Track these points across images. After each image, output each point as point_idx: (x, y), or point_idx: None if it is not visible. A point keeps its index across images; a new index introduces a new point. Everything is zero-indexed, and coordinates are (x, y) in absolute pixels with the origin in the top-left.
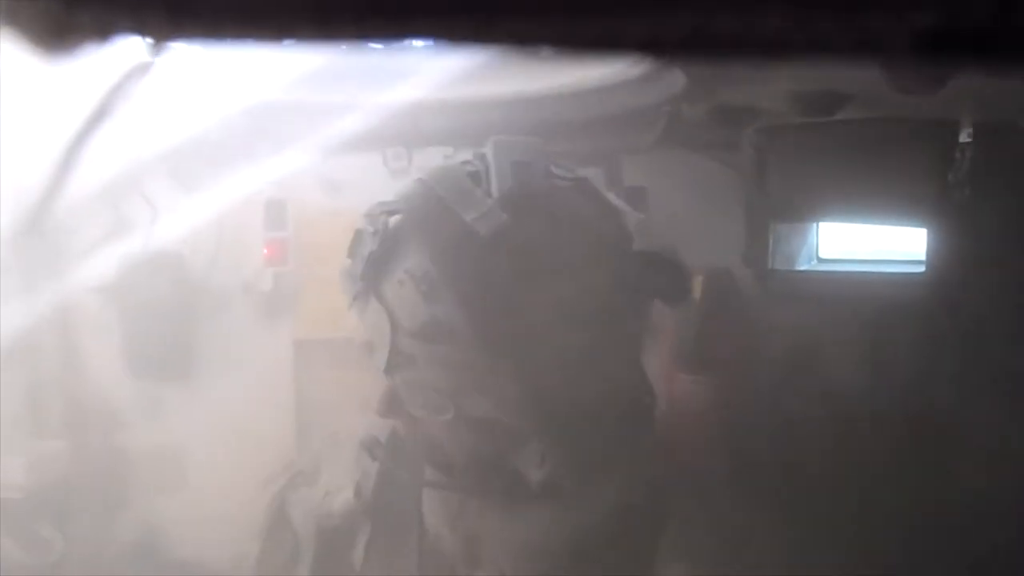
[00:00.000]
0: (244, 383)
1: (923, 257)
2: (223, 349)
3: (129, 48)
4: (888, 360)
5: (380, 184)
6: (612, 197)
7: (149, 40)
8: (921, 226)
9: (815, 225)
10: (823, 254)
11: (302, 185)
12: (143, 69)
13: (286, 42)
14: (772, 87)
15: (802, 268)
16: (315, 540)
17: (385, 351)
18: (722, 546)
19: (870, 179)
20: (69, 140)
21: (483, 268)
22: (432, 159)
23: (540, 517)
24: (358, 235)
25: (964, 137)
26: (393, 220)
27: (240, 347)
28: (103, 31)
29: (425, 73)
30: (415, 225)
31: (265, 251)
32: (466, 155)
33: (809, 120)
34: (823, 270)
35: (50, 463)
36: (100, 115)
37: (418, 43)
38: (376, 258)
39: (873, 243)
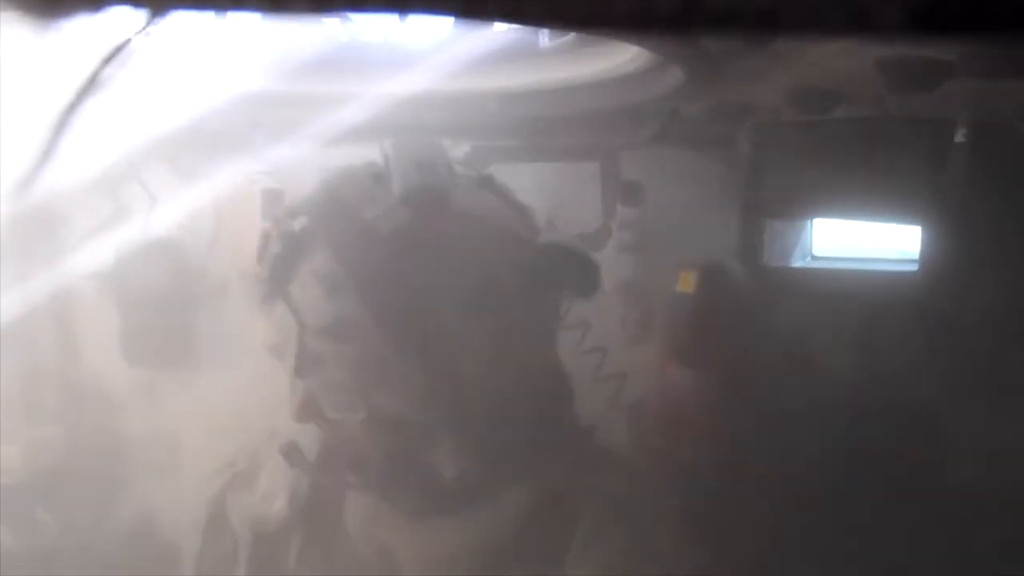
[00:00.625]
0: (241, 370)
1: (917, 256)
2: (220, 336)
3: (122, 17)
4: (881, 357)
5: None
6: (518, 194)
7: (142, 9)
8: (916, 225)
9: (810, 222)
10: (817, 251)
11: (299, 174)
12: (136, 39)
13: (277, 13)
14: (769, 84)
15: (796, 265)
16: (251, 545)
17: (293, 353)
18: (709, 539)
19: (865, 177)
20: (60, 111)
21: (386, 265)
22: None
23: (452, 523)
24: (263, 238)
25: (960, 136)
26: (297, 221)
27: (237, 334)
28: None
29: (424, 65)
30: (318, 225)
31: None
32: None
33: (805, 118)
34: (817, 267)
35: (45, 448)
36: (91, 86)
37: (411, 17)
38: (281, 260)
39: (867, 241)
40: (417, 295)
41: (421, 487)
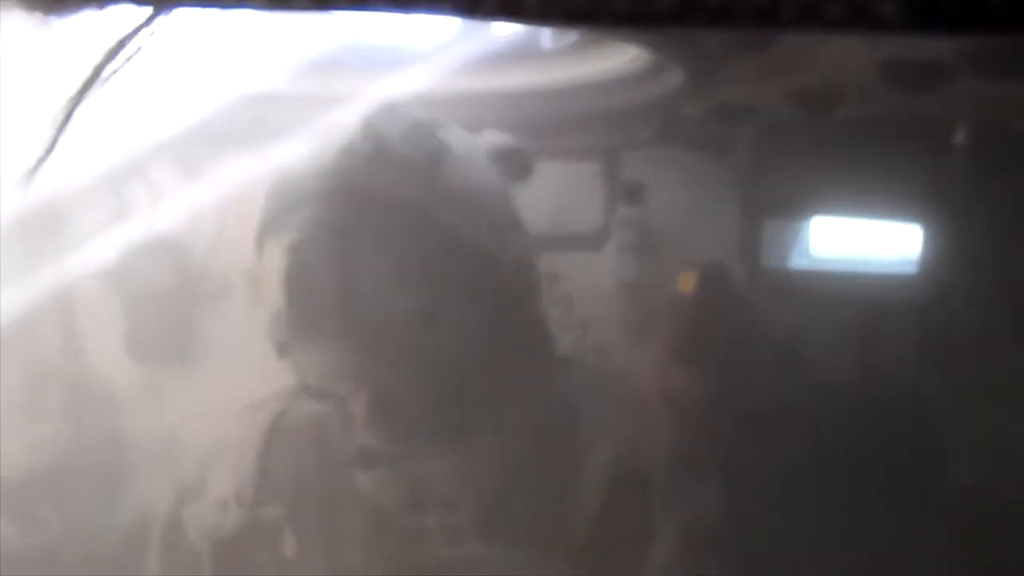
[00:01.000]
0: (243, 368)
1: (916, 256)
2: (223, 335)
3: (126, 14)
4: (880, 358)
5: None
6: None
7: (146, 5)
8: (915, 225)
9: (809, 223)
10: (816, 252)
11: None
12: (140, 36)
13: (281, 10)
14: (769, 85)
15: (795, 265)
16: (212, 555)
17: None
18: (714, 535)
19: (865, 177)
20: (63, 107)
21: (312, 224)
22: None
23: (377, 508)
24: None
25: (960, 137)
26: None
27: (240, 333)
28: None
29: (424, 65)
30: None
31: None
32: None
33: (805, 118)
34: (816, 268)
35: (48, 446)
36: (94, 82)
37: (413, 16)
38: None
39: (866, 242)
40: (342, 260)
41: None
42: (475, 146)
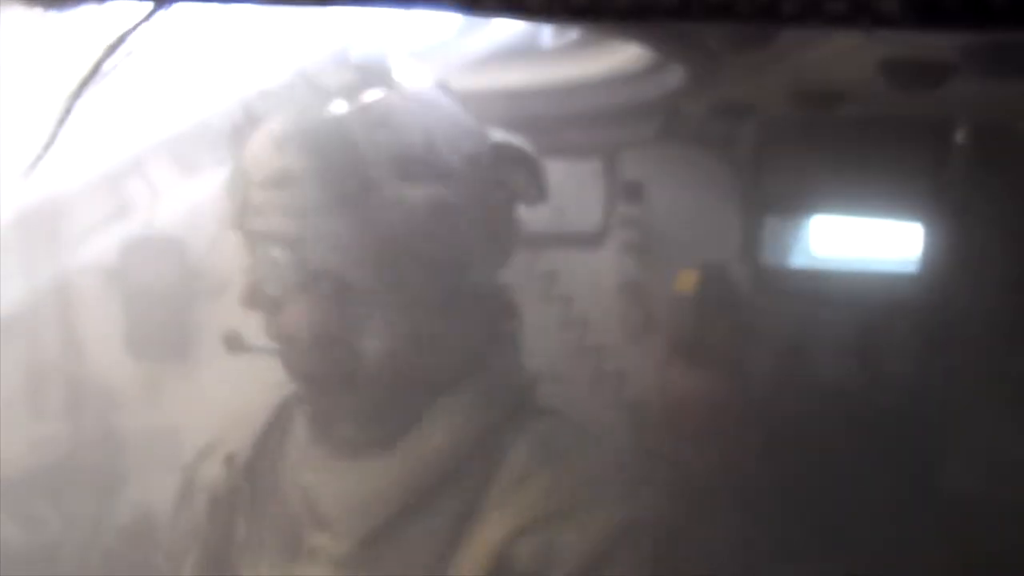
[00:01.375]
0: (242, 365)
1: (917, 255)
2: (222, 331)
3: (126, 9)
4: (880, 357)
5: None
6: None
7: (147, 1)
8: (915, 224)
9: (810, 221)
10: (817, 250)
11: None
12: (140, 31)
13: (284, 4)
14: (770, 83)
15: (796, 264)
16: (207, 513)
17: (240, 201)
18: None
19: (866, 176)
20: (63, 101)
21: (330, 123)
22: None
23: (374, 465)
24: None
25: (960, 137)
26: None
27: (239, 329)
28: None
29: (426, 64)
30: (279, 96)
31: None
32: None
33: (806, 117)
34: (817, 266)
35: (48, 443)
36: (94, 76)
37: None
38: (238, 130)
39: (867, 241)
40: (357, 153)
41: (349, 372)
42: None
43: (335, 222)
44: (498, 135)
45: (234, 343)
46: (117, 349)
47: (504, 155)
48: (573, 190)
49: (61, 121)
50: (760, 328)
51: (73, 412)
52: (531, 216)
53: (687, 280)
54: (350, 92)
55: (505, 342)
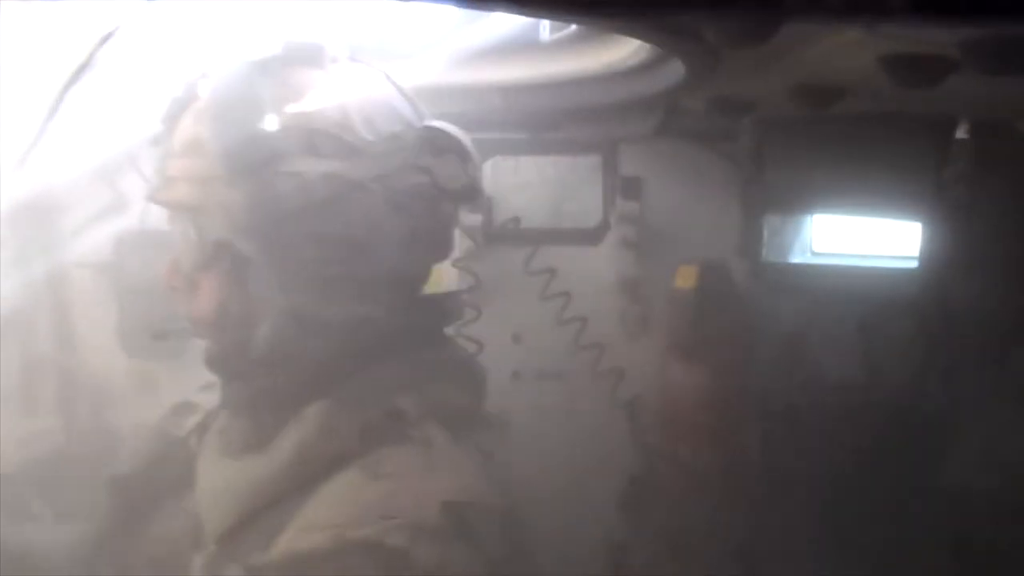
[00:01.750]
0: None
1: (916, 252)
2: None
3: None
4: (879, 353)
5: None
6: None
7: None
8: (915, 221)
9: (810, 218)
10: (817, 247)
11: None
12: (132, 23)
13: None
14: (771, 79)
15: (796, 260)
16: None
17: (160, 172)
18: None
19: (866, 173)
20: (55, 92)
21: (245, 92)
22: None
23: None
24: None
25: (961, 134)
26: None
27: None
28: None
29: (425, 58)
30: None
31: None
32: None
33: (807, 113)
34: (817, 263)
35: (42, 439)
36: (87, 67)
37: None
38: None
39: (867, 237)
40: (264, 123)
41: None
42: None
43: (233, 192)
44: (434, 122)
45: (158, 330)
46: (111, 344)
47: (430, 140)
48: (572, 186)
49: (52, 112)
50: (759, 324)
51: (67, 407)
52: (528, 211)
53: (686, 276)
54: (273, 66)
55: (420, 341)
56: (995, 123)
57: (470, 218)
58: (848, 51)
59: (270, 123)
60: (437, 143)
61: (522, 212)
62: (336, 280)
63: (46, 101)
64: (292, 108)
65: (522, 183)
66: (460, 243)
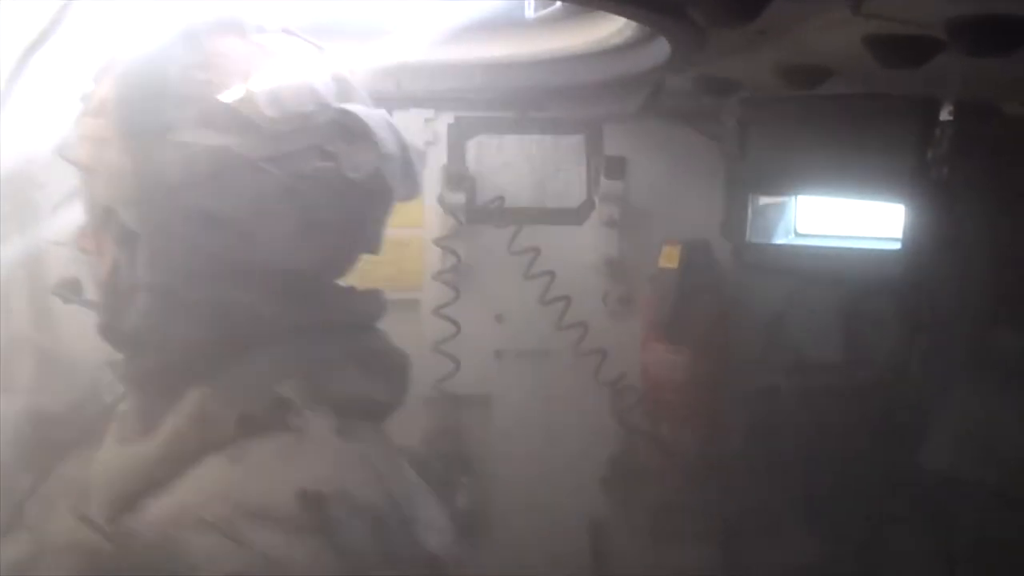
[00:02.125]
0: None
1: (900, 234)
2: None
3: None
4: (861, 334)
5: None
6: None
7: None
8: (899, 203)
9: (793, 199)
10: (801, 228)
11: None
12: None
13: None
14: (756, 59)
15: (779, 242)
16: None
17: (71, 129)
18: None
19: (850, 154)
20: (16, 59)
21: (155, 58)
22: (413, 122)
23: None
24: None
25: (945, 115)
26: None
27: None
28: None
29: (408, 35)
30: None
31: None
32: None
33: (791, 94)
34: (800, 244)
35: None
36: (51, 30)
37: None
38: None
39: (850, 219)
40: (165, 90)
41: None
42: None
43: (123, 158)
44: (351, 105)
45: (66, 292)
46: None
47: (344, 124)
48: (556, 165)
49: (14, 78)
50: (743, 305)
51: (44, 388)
52: (512, 191)
53: (670, 256)
54: (194, 33)
55: (316, 331)
56: (979, 105)
57: (453, 197)
58: (833, 31)
59: (172, 90)
60: (352, 129)
61: (506, 191)
62: (210, 261)
63: (8, 67)
64: (196, 76)
65: (506, 162)
66: (443, 222)
